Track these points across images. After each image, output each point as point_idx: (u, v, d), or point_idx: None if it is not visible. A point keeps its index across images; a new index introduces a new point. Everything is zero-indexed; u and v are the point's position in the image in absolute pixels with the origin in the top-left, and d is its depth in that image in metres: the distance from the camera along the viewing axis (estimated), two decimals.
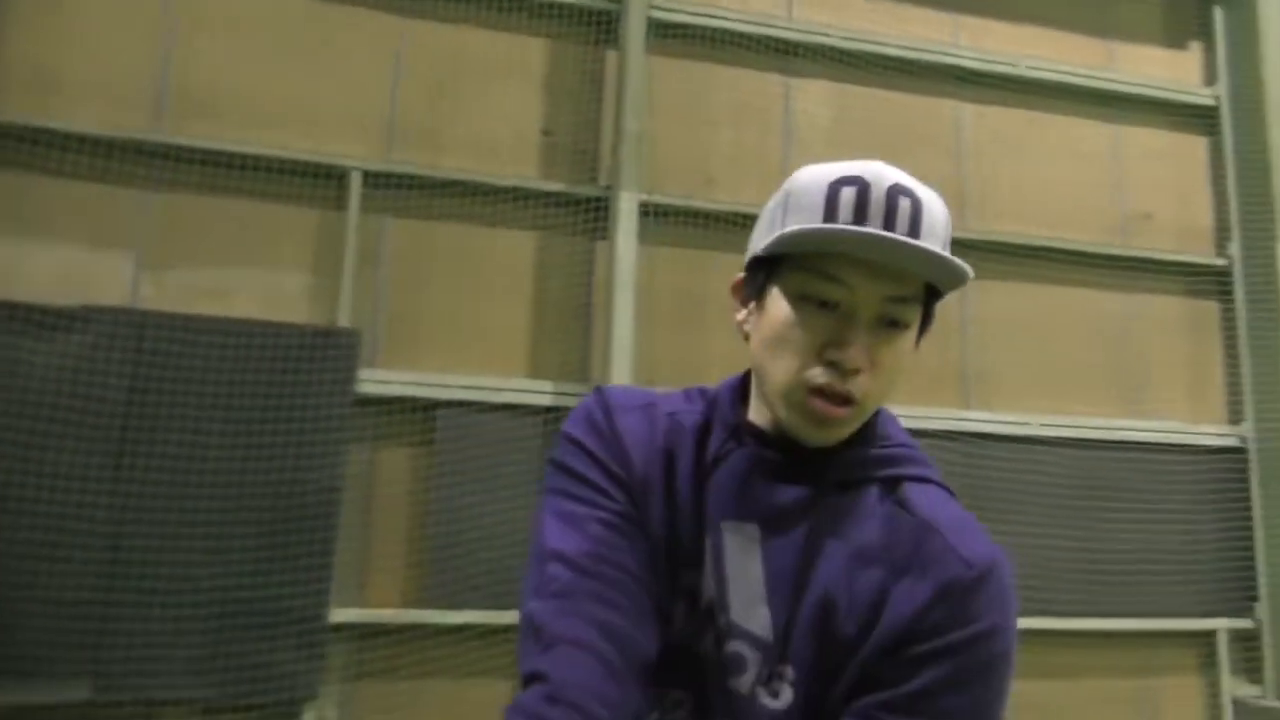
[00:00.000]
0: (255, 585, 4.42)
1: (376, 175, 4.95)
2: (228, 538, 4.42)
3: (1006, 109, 5.97)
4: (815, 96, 5.67)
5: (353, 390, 4.69)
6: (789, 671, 1.06)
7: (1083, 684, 5.44)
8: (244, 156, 4.78)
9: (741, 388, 1.22)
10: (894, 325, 1.06)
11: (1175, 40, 6.43)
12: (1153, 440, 5.70)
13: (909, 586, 1.04)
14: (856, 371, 1.04)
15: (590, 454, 1.15)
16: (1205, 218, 6.21)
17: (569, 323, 5.15)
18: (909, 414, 5.27)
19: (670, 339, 5.20)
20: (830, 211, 1.04)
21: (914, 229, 1.03)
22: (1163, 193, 6.17)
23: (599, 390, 1.22)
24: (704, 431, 1.18)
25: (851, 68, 5.69)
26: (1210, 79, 6.36)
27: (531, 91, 5.30)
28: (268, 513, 4.48)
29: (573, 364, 5.10)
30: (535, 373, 5.05)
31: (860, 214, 1.03)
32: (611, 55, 5.37)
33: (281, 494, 4.51)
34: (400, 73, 5.13)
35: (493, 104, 5.22)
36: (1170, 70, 6.34)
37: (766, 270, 1.11)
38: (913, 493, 1.12)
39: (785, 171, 5.48)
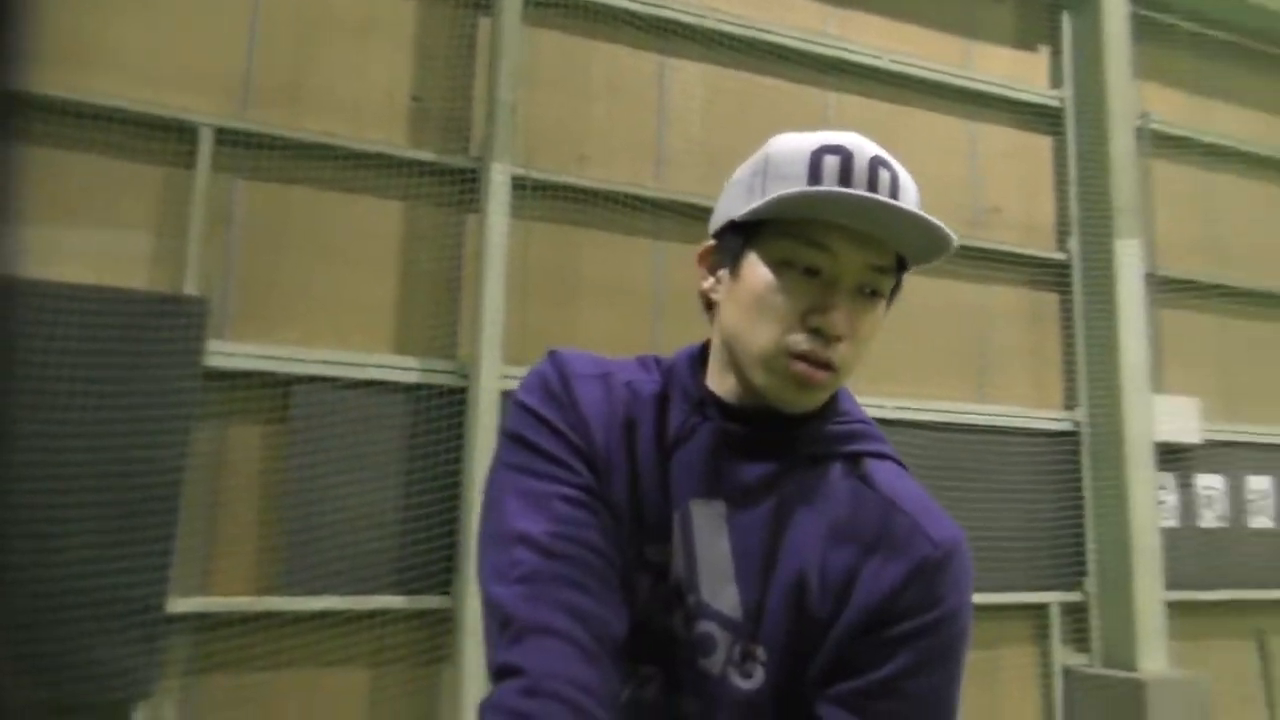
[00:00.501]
0: (86, 575, 4.06)
1: (229, 133, 4.62)
2: (58, 523, 4.04)
3: (871, 100, 6.11)
4: (690, 78, 5.64)
5: (199, 363, 4.37)
6: (760, 652, 1.04)
7: None
8: (80, 105, 4.36)
9: (700, 358, 1.18)
10: (873, 294, 1.06)
11: (1026, 43, 6.73)
12: (997, 424, 5.98)
13: (879, 565, 1.04)
14: (839, 338, 1.03)
15: (549, 425, 1.09)
16: (1048, 214, 6.54)
17: (437, 297, 4.96)
18: None
19: (542, 315, 5.08)
20: (815, 178, 1.03)
21: (894, 195, 1.03)
22: (1011, 189, 6.46)
23: (554, 355, 1.16)
24: (663, 402, 1.14)
25: (727, 51, 5.69)
26: (1057, 82, 6.69)
27: (401, 54, 5.05)
28: (104, 495, 4.12)
29: (441, 340, 4.92)
30: (401, 348, 4.84)
31: (845, 182, 1.02)
32: (486, 22, 5.18)
33: (119, 475, 4.16)
34: (258, 25, 4.80)
35: (359, 65, 4.95)
36: (1021, 71, 6.63)
37: (744, 237, 1.09)
38: (874, 469, 1.11)
39: (659, 151, 5.46)
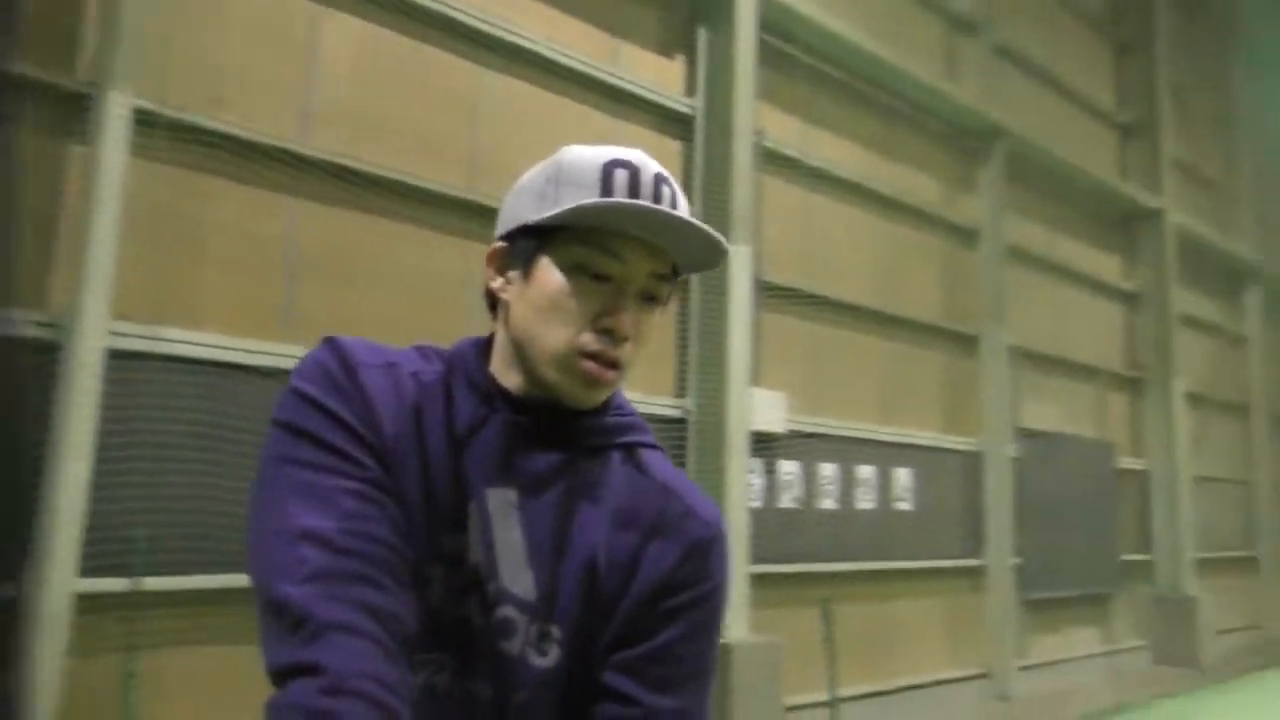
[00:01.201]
0: None
1: None
2: None
3: (524, 83, 6.17)
4: (344, 33, 5.37)
5: None
6: (555, 630, 1.11)
7: None
8: None
9: (485, 351, 1.21)
10: (653, 300, 1.14)
11: (667, 50, 7.13)
12: None
13: (660, 546, 1.14)
14: (625, 339, 1.11)
15: (333, 416, 1.07)
16: None
17: (27, 238, 4.33)
18: None
19: (161, 269, 4.62)
20: (607, 190, 1.10)
21: (674, 208, 1.13)
22: None
23: (333, 343, 1.13)
24: (448, 392, 1.15)
25: (385, 11, 5.48)
26: (691, 91, 7.15)
27: None
28: None
29: (31, 289, 4.31)
30: None
31: (634, 194, 1.10)
32: None
33: None
34: None
35: None
36: (662, 77, 7.01)
37: (538, 241, 1.13)
38: (648, 457, 1.22)
39: (305, 105, 5.14)
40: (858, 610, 7.64)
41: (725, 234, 6.58)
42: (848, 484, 7.97)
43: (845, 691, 6.66)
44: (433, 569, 1.09)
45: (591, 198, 1.09)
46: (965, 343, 9.57)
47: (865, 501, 8.10)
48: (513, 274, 1.16)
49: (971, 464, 9.40)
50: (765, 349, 7.30)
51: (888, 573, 8.26)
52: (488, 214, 5.84)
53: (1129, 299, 12.55)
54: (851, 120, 8.59)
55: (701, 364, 6.75)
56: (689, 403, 6.73)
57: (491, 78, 6.02)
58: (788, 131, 7.82)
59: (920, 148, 9.39)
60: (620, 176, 1.10)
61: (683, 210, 1.13)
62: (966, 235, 9.76)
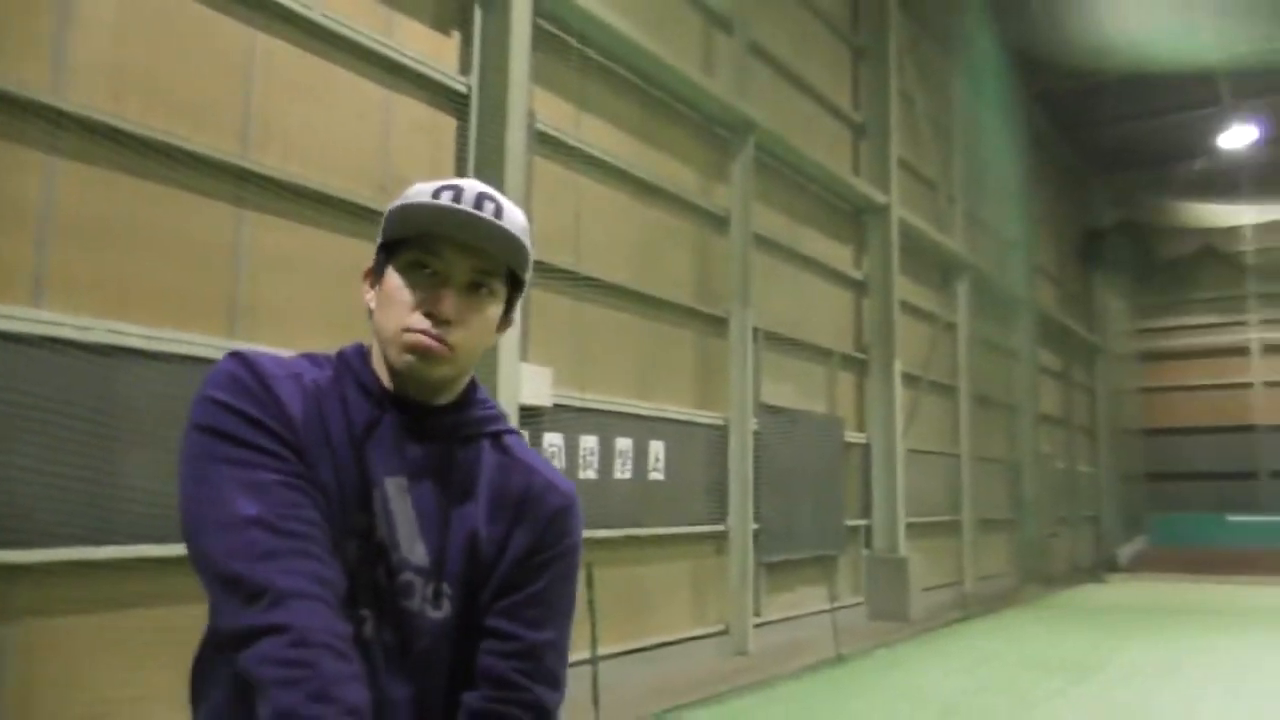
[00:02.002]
0: None
1: None
2: None
3: (298, 50, 6.06)
4: None
5: None
6: (446, 589, 1.36)
7: None
8: None
9: (368, 355, 1.43)
10: (478, 288, 1.35)
11: (442, 25, 7.18)
12: None
13: (528, 515, 1.42)
14: (449, 322, 1.31)
15: (252, 420, 1.28)
16: None
17: None
18: (166, 335, 5.13)
19: None
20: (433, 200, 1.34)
21: (497, 217, 1.34)
22: (420, 162, 6.87)
23: (240, 357, 1.33)
24: (343, 395, 1.37)
25: None
26: (466, 68, 7.24)
27: None
28: None
29: None
30: None
31: (455, 203, 1.33)
32: None
33: None
34: None
35: None
36: (437, 51, 7.06)
37: (386, 256, 1.37)
38: (511, 442, 1.48)
39: (55, 59, 4.90)
40: (617, 574, 8.06)
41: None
42: (607, 455, 8.37)
43: (605, 650, 7.05)
44: (348, 543, 1.31)
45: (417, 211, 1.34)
46: (715, 323, 10.22)
47: (623, 472, 8.55)
48: (374, 287, 1.39)
49: (718, 437, 10.08)
50: (533, 325, 7.54)
51: (642, 538, 8.76)
52: (262, 182, 5.75)
53: (858, 286, 13.74)
54: (618, 107, 8.96)
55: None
56: None
57: (265, 40, 5.88)
58: (559, 115, 8.08)
59: (679, 137, 9.90)
60: (445, 195, 1.33)
61: (508, 220, 1.34)
62: (718, 222, 10.39)
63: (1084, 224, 25.43)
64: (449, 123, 7.12)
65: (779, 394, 11.30)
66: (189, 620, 5.28)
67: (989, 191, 18.03)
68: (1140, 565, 22.63)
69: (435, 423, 1.39)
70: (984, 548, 16.89)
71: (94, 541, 4.79)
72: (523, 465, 1.45)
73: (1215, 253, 26.74)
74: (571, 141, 8.19)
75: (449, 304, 1.32)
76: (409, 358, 1.32)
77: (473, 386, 1.45)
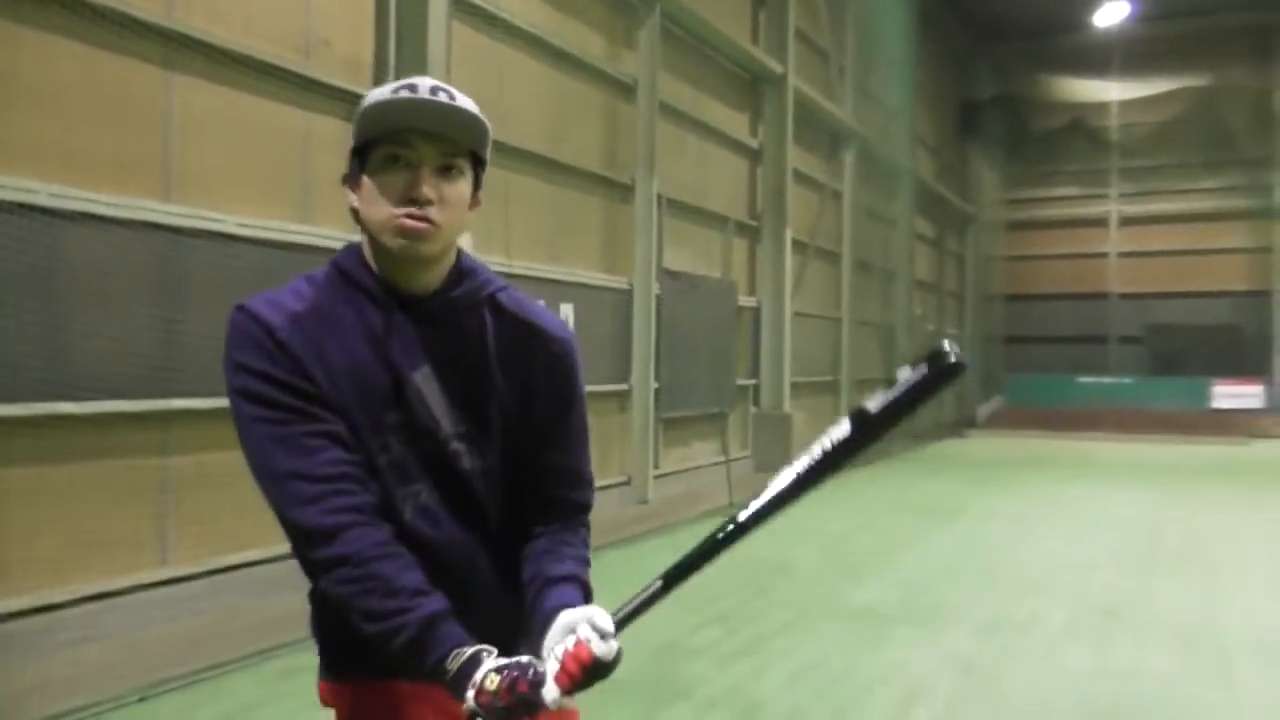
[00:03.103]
0: None
1: None
2: None
3: None
4: None
5: None
6: (488, 447, 1.60)
7: None
8: None
9: (361, 254, 1.58)
10: (449, 170, 1.50)
11: None
12: (315, 244, 6.55)
13: (538, 363, 1.63)
14: (429, 202, 1.47)
15: (274, 379, 1.47)
16: (368, 54, 7.13)
17: None
18: (99, 197, 5.20)
19: None
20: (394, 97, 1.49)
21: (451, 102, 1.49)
22: (340, 26, 6.88)
23: (245, 311, 1.51)
24: (352, 305, 1.55)
25: None
26: None
27: None
28: None
29: None
30: None
31: (413, 96, 1.48)
32: None
33: None
34: None
35: None
36: None
37: (360, 160, 1.52)
38: (505, 300, 1.63)
39: None
40: None
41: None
42: None
43: None
44: (388, 437, 1.53)
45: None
46: (622, 190, 10.53)
47: None
48: (355, 188, 1.54)
49: (623, 300, 10.53)
50: None
51: None
52: (189, 43, 5.75)
53: (753, 155, 14.14)
54: None
55: None
56: None
57: None
58: None
59: (589, 4, 9.97)
60: (403, 92, 1.47)
61: (461, 104, 1.49)
62: (626, 90, 10.58)
63: (962, 96, 26.22)
64: None
65: (679, 259, 11.76)
66: (140, 473, 5.59)
67: (877, 62, 18.48)
68: (997, 422, 24.31)
69: (437, 307, 1.56)
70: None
71: (52, 397, 4.99)
72: (520, 321, 1.63)
73: (1083, 127, 27.90)
74: (490, 8, 8.24)
75: (427, 187, 1.46)
76: (401, 241, 1.47)
77: (458, 262, 1.60)
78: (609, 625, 1.37)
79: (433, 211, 1.47)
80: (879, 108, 18.67)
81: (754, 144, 14.08)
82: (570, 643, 1.36)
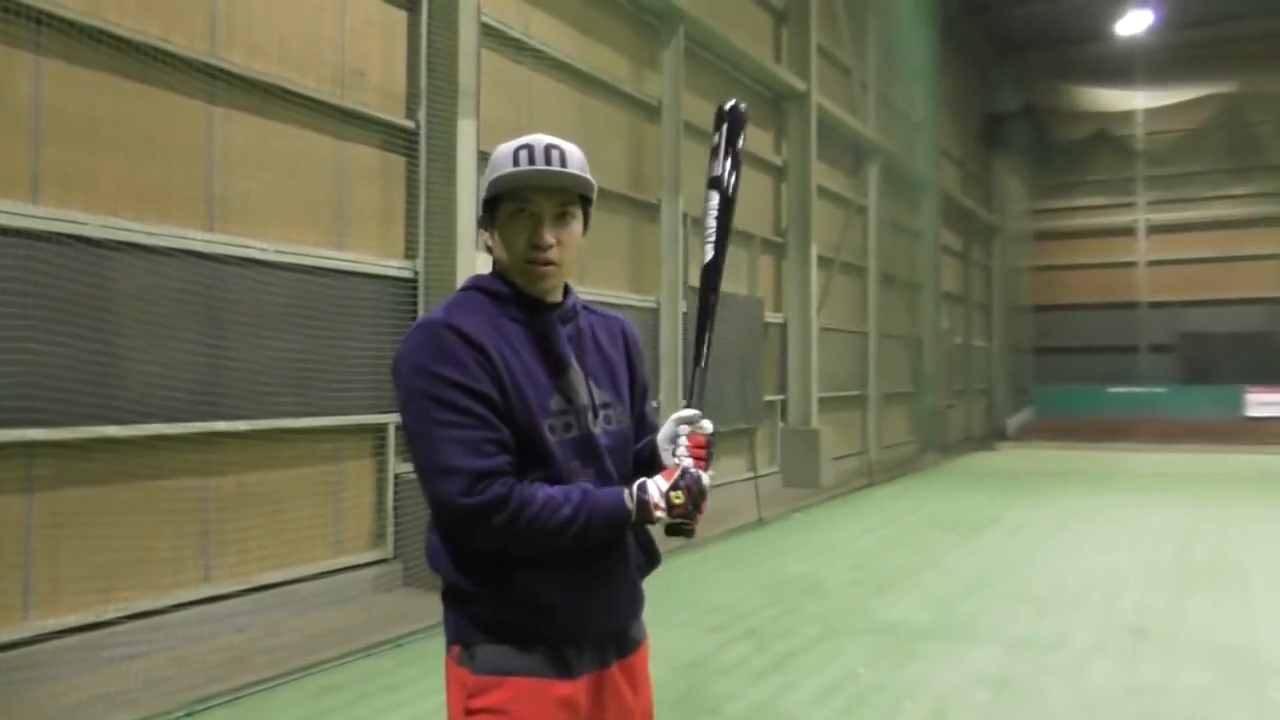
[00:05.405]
0: None
1: None
2: None
3: None
4: None
5: None
6: (620, 411, 1.98)
7: (291, 472, 6.36)
8: None
9: (503, 278, 1.93)
10: (563, 216, 1.87)
11: None
12: (350, 270, 6.73)
13: (625, 343, 2.07)
14: (550, 246, 1.84)
15: (467, 389, 1.75)
16: (401, 84, 7.31)
17: None
18: (145, 228, 5.38)
19: None
20: (516, 165, 1.83)
21: (563, 164, 1.83)
22: (374, 55, 7.07)
23: (445, 325, 1.79)
24: (511, 316, 1.88)
25: None
26: None
27: None
28: None
29: None
30: None
31: (531, 162, 1.82)
32: None
33: None
34: None
35: None
36: None
37: (491, 211, 1.89)
38: (589, 308, 2.04)
39: None
40: None
41: (452, 106, 7.08)
42: None
43: None
44: (554, 423, 1.85)
45: (504, 173, 1.84)
46: (648, 210, 10.67)
47: None
48: (490, 234, 1.91)
49: (650, 319, 10.65)
50: None
51: None
52: (230, 79, 5.94)
53: (777, 172, 14.25)
54: (566, 4, 9.19)
55: (431, 229, 7.25)
56: (418, 264, 7.24)
57: None
58: (503, 11, 8.27)
59: (614, 28, 10.13)
60: (523, 154, 1.81)
61: (571, 159, 1.83)
62: (650, 111, 10.73)
63: (986, 107, 26.22)
64: (400, 16, 7.29)
65: None
66: (183, 494, 5.74)
67: (899, 75, 18.55)
68: (1027, 434, 24.22)
69: (566, 310, 1.94)
70: (887, 419, 18.04)
71: (101, 420, 5.16)
72: (600, 317, 2.05)
73: (1108, 136, 27.83)
74: (518, 35, 8.41)
75: (548, 234, 1.83)
76: (530, 277, 1.86)
77: (568, 286, 2.02)
78: (693, 412, 1.87)
79: (553, 254, 1.84)
80: (903, 121, 18.74)
81: (778, 161, 14.19)
82: (681, 442, 1.84)
